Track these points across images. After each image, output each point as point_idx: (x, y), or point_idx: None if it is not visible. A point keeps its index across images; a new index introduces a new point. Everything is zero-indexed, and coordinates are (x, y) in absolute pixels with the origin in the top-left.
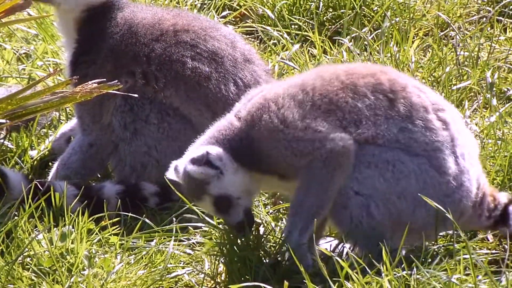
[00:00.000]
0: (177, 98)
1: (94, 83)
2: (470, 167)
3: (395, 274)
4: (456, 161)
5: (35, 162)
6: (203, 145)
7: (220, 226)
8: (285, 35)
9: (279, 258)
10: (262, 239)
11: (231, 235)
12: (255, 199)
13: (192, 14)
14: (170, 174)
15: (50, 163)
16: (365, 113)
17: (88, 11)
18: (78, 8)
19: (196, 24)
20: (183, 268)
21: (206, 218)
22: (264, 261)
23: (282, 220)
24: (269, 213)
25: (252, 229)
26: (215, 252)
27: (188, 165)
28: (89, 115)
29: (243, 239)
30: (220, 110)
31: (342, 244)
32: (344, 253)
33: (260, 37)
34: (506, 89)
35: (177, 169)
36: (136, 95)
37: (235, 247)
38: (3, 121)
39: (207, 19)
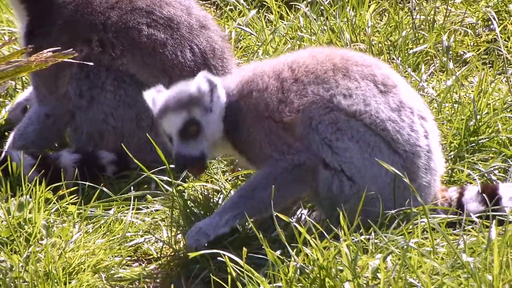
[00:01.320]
0: (134, 65)
1: (49, 51)
2: (433, 183)
3: (353, 239)
4: (425, 173)
5: None
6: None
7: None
8: (242, 1)
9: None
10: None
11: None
12: (213, 165)
13: None
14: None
15: (6, 133)
16: (355, 91)
17: None
18: None
19: None
20: (141, 236)
21: (165, 186)
22: None
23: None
24: (227, 180)
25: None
26: (173, 220)
27: (199, 79)
28: (44, 85)
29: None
30: (176, 76)
31: (300, 209)
32: (303, 219)
33: (216, 3)
34: (462, 52)
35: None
36: (91, 63)
37: (192, 215)
38: None
39: None
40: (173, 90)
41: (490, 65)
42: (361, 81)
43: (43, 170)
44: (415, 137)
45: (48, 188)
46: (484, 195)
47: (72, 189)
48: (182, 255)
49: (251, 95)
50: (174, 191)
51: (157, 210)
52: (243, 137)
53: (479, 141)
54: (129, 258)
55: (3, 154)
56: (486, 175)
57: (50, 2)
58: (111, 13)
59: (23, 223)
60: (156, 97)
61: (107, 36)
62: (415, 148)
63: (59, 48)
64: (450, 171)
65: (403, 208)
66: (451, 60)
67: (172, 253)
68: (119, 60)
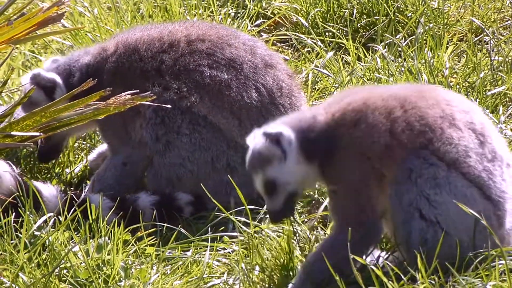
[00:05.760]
0: (204, 106)
1: (128, 94)
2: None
3: (430, 281)
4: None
5: (72, 177)
6: (281, 125)
7: (256, 235)
8: (319, 43)
9: None
10: (297, 247)
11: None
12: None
13: (209, 24)
14: (249, 140)
15: (87, 181)
16: (457, 141)
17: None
18: None
19: (212, 33)
20: (219, 277)
21: (242, 227)
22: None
23: (317, 229)
24: (304, 222)
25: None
26: (250, 261)
27: (260, 138)
28: (116, 138)
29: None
30: (244, 117)
31: (377, 251)
32: (380, 261)
33: (294, 45)
34: None
35: (255, 137)
36: (169, 106)
37: (270, 255)
38: (37, 134)
39: (225, 27)
40: (250, 148)
41: None
42: (464, 130)
43: (122, 212)
44: (505, 185)
45: (127, 229)
46: None
47: (150, 230)
48: None
49: (359, 127)
50: (252, 232)
51: (233, 251)
52: (335, 170)
53: None
54: None
55: (81, 197)
56: None
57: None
58: (164, 57)
59: (102, 265)
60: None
61: (164, 81)
62: (505, 195)
63: (137, 91)
64: None
65: (481, 250)
66: None
67: None
68: (192, 101)
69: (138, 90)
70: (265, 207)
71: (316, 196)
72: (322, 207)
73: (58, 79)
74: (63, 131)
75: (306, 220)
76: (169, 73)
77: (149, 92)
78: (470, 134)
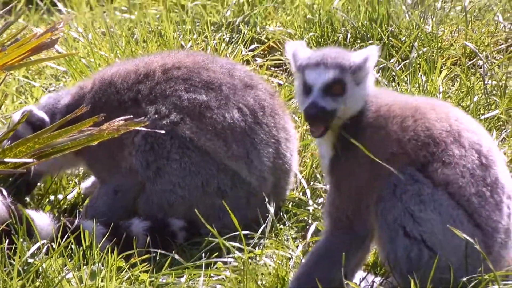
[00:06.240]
0: (187, 128)
1: (121, 120)
2: (508, 257)
3: None
4: (501, 248)
5: (65, 204)
6: None
7: (250, 260)
8: None
9: None
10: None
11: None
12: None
13: (185, 52)
14: None
15: (80, 208)
16: (456, 160)
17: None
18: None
19: (188, 60)
20: None
21: (236, 252)
22: None
23: None
24: (298, 247)
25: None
26: (244, 287)
27: (370, 49)
28: (104, 171)
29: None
30: (229, 138)
31: (371, 276)
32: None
33: (288, 69)
34: None
35: None
36: (162, 131)
37: (264, 281)
38: (30, 160)
39: (202, 54)
40: (331, 50)
41: None
42: (468, 149)
43: (115, 239)
44: (499, 215)
45: (120, 256)
46: None
47: (144, 257)
48: None
49: (387, 123)
50: (246, 257)
51: (227, 277)
52: (348, 162)
53: None
54: None
55: (75, 223)
56: None
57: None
58: (140, 86)
59: None
60: (300, 49)
61: (141, 110)
62: (496, 224)
63: (131, 116)
64: None
65: (475, 275)
66: None
67: None
68: (173, 120)
69: (131, 116)
70: (259, 232)
71: (310, 221)
72: (311, 229)
73: (47, 119)
74: (43, 167)
75: (300, 245)
76: (146, 101)
77: (143, 117)
78: (473, 154)
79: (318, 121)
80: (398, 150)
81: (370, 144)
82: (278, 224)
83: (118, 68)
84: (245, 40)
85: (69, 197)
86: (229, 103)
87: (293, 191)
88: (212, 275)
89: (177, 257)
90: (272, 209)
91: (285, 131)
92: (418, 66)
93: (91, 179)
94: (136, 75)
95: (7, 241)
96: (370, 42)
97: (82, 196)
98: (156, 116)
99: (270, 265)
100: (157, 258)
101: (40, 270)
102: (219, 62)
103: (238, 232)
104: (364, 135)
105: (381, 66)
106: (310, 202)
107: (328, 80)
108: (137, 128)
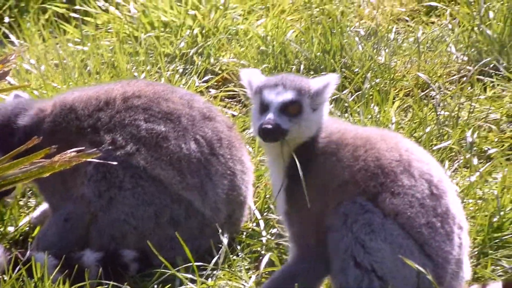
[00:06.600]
0: (141, 158)
1: (73, 151)
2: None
3: None
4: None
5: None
6: None
7: None
8: None
9: None
10: None
11: None
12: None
13: (146, 81)
14: None
15: (30, 239)
16: (406, 190)
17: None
18: None
19: (149, 90)
20: None
21: (189, 284)
22: None
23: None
24: (251, 278)
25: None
26: None
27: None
28: (55, 196)
29: None
30: (184, 168)
31: None
32: None
33: (242, 100)
34: (486, 148)
35: None
36: (115, 163)
37: None
38: None
39: (163, 84)
40: (289, 74)
41: None
42: (418, 179)
43: (67, 270)
44: (450, 246)
45: None
46: None
47: None
48: None
49: (339, 150)
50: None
51: None
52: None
53: (503, 238)
54: None
55: (27, 255)
56: (510, 271)
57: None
58: (100, 114)
59: None
60: (255, 74)
61: (98, 137)
62: (447, 255)
63: (83, 148)
64: (474, 267)
65: None
66: (475, 156)
67: None
68: (128, 151)
69: (83, 148)
70: (212, 263)
71: (263, 252)
72: (265, 260)
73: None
74: None
75: (253, 276)
76: (104, 129)
77: (95, 149)
78: (423, 184)
79: (271, 136)
80: (349, 178)
81: (322, 171)
82: (231, 255)
83: (80, 94)
84: (199, 71)
85: (20, 227)
86: (187, 134)
87: (247, 222)
88: None
89: None
90: (225, 240)
91: (241, 163)
92: (371, 97)
93: (40, 208)
94: (97, 102)
95: None
96: (323, 73)
97: (32, 226)
98: (111, 146)
99: None
100: None
101: None
102: (179, 93)
103: (191, 263)
104: (316, 162)
105: (334, 97)
106: (264, 233)
107: (286, 100)
108: (89, 159)
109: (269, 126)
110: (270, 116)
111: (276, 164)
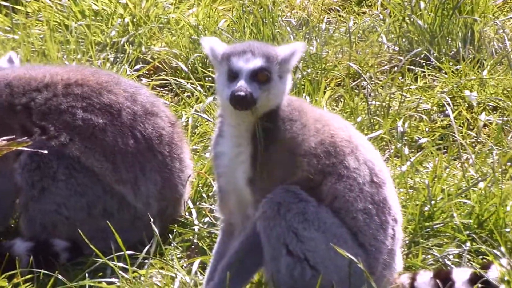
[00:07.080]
0: (75, 148)
1: (3, 140)
2: (391, 279)
3: None
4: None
5: None
6: None
7: (134, 280)
8: (199, 88)
9: None
10: None
11: None
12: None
13: (93, 69)
14: None
15: None
16: (349, 173)
17: None
18: None
19: (93, 79)
20: None
21: (121, 272)
22: None
23: (196, 274)
24: (183, 267)
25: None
26: None
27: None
28: None
29: None
30: (119, 161)
31: None
32: None
33: (174, 89)
34: (417, 138)
35: None
36: (46, 152)
37: None
38: None
39: (110, 73)
40: (256, 41)
41: (444, 150)
42: (362, 164)
43: None
44: (383, 235)
45: (3, 276)
46: (437, 280)
47: (27, 277)
48: None
49: (302, 117)
50: (131, 277)
51: None
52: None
53: (434, 226)
54: None
55: None
56: (440, 260)
57: None
58: (35, 94)
59: None
60: (218, 42)
61: (32, 120)
62: (380, 245)
63: (14, 136)
64: (405, 256)
65: None
66: (406, 146)
67: None
68: (61, 141)
69: (14, 136)
70: (143, 252)
71: (195, 240)
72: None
73: None
74: None
75: (185, 265)
76: (37, 112)
77: (26, 138)
78: (365, 170)
79: (244, 104)
80: (314, 147)
81: (288, 137)
82: (163, 245)
83: (25, 72)
84: (130, 60)
85: None
86: (125, 130)
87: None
88: None
89: (60, 277)
90: (157, 230)
91: (180, 161)
92: (303, 87)
93: None
94: (37, 83)
95: None
96: None
97: None
98: (44, 136)
99: (155, 285)
100: (41, 278)
101: None
102: (123, 85)
103: (123, 252)
104: (282, 129)
105: None
106: (196, 221)
107: (256, 66)
108: (21, 148)
109: (242, 93)
110: (241, 83)
111: (238, 133)
